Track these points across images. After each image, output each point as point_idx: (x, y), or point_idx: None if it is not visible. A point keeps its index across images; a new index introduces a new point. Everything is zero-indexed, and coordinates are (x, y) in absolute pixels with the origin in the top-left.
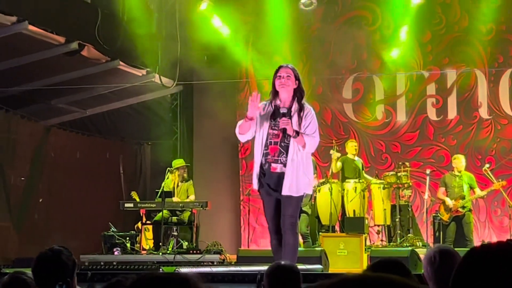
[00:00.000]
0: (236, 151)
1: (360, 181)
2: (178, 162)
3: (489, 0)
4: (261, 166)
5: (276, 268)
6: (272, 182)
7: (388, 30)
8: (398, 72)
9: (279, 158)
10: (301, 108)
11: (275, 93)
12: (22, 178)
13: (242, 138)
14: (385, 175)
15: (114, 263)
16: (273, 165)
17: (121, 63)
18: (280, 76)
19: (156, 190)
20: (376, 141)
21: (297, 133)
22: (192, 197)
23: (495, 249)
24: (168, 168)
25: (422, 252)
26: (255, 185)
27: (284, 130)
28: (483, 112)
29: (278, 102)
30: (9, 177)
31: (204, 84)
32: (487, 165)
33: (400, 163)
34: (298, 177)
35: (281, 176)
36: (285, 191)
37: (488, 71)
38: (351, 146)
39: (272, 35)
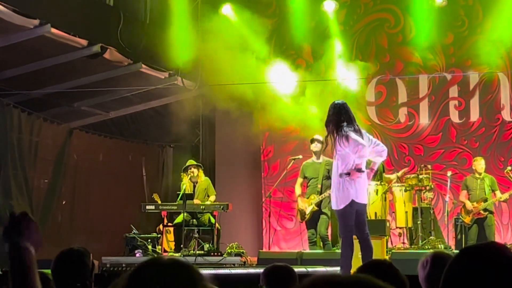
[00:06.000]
0: (258, 153)
1: (382, 183)
2: (188, 162)
3: (511, 2)
4: None
5: (272, 268)
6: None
7: (410, 32)
8: (420, 74)
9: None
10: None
11: None
12: (45, 181)
13: None
14: (407, 178)
15: (136, 265)
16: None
17: (143, 65)
18: None
19: (178, 192)
20: (399, 144)
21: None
22: (212, 198)
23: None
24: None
25: None
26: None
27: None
28: (506, 115)
29: None
30: (32, 180)
31: (225, 86)
32: (509, 167)
33: (422, 165)
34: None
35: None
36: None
37: (510, 73)
38: None
39: (294, 37)
